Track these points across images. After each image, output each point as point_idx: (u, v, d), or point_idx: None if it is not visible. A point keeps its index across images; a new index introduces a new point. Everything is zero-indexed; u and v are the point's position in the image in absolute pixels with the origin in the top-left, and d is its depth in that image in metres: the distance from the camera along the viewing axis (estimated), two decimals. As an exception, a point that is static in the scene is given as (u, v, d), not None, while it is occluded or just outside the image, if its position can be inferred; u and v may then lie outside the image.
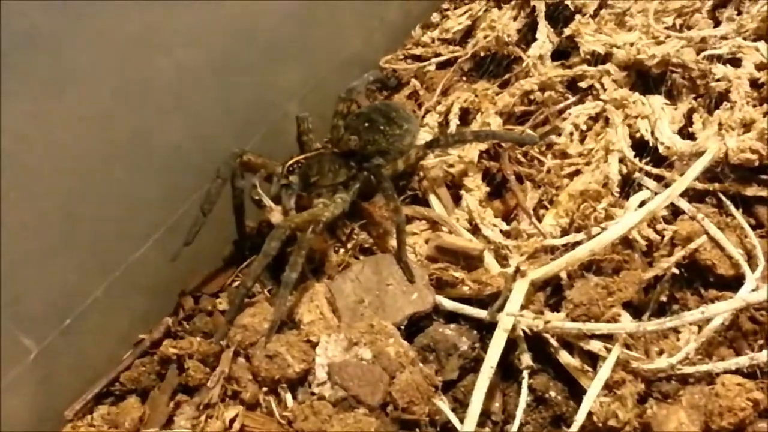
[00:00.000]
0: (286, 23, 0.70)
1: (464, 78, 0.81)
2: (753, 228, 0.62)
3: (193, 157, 0.66)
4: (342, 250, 0.68)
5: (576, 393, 0.58)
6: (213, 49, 0.64)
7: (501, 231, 0.67)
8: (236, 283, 0.70)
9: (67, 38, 0.53)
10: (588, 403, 0.55)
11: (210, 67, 0.64)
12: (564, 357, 0.59)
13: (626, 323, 0.58)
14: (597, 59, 0.74)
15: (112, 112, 0.58)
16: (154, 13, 0.58)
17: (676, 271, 0.61)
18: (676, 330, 0.58)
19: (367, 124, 0.70)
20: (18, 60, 0.50)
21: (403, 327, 0.61)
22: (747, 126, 0.64)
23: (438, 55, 0.83)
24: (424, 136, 0.74)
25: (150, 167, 0.63)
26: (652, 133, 0.67)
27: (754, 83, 0.66)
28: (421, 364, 0.59)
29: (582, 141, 0.71)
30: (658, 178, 0.66)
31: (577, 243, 0.62)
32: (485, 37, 0.79)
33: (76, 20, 0.53)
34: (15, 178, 0.53)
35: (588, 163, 0.68)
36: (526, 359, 0.59)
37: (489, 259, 0.65)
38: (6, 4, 0.46)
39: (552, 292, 0.63)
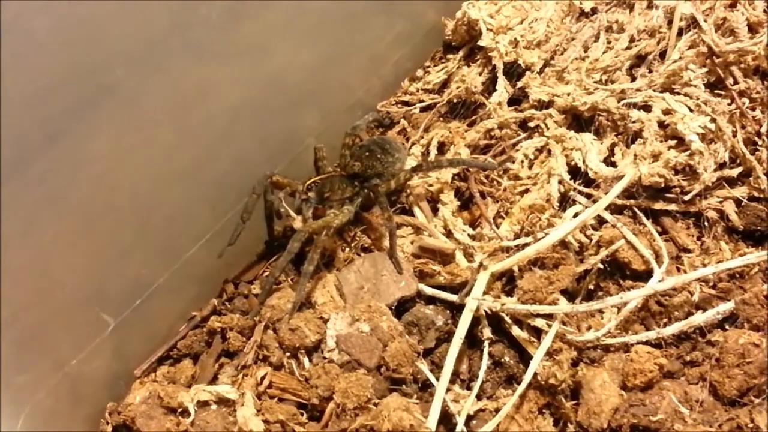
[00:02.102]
0: (307, 78, 0.70)
1: (441, 119, 0.80)
2: (659, 234, 0.63)
3: (235, 178, 0.66)
4: (347, 249, 0.68)
5: (524, 358, 0.59)
6: (252, 96, 0.64)
7: (468, 235, 0.67)
8: (267, 273, 0.70)
9: (144, 88, 0.53)
10: (534, 366, 0.56)
11: (249, 110, 0.64)
12: (516, 331, 0.59)
13: (563, 305, 0.58)
14: (542, 105, 0.74)
15: (177, 144, 0.59)
16: (208, 69, 0.59)
17: (601, 266, 0.61)
18: (600, 311, 0.59)
19: (367, 153, 0.70)
20: (106, 104, 0.50)
21: (393, 307, 0.61)
22: (656, 157, 0.64)
23: (421, 101, 0.83)
24: (410, 163, 0.74)
25: (202, 185, 0.63)
26: (584, 161, 0.67)
27: (661, 124, 0.66)
28: (407, 336, 0.59)
29: (530, 167, 0.70)
30: (588, 196, 0.66)
31: (526, 244, 0.62)
32: (457, 88, 0.79)
33: (151, 75, 0.53)
34: (100, 194, 0.54)
35: (535, 184, 0.68)
36: (487, 332, 0.60)
37: (459, 256, 0.64)
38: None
39: (507, 282, 0.63)
